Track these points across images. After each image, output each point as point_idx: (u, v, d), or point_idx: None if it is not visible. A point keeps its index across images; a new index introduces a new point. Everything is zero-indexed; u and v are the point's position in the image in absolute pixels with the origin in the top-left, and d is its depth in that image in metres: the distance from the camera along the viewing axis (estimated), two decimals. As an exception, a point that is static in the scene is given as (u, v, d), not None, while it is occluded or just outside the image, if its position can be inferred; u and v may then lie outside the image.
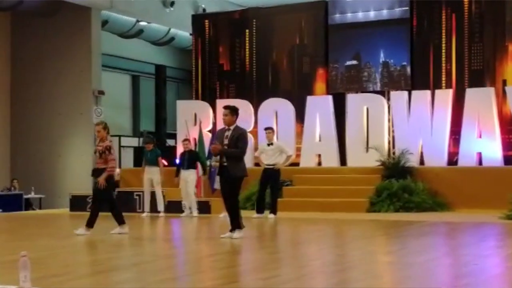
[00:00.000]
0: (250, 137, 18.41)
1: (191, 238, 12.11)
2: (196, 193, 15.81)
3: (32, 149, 22.10)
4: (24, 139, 22.40)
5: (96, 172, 11.55)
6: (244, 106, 19.15)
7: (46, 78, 22.12)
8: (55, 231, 12.92)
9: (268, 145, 14.71)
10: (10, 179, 21.69)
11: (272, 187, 14.56)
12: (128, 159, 23.20)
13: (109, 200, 11.59)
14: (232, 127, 10.53)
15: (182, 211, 15.44)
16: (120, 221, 11.48)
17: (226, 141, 10.45)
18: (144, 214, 15.54)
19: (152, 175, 15.47)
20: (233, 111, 10.61)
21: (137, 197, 16.41)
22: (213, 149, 10.57)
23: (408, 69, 18.33)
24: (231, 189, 10.52)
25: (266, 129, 15.16)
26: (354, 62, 18.90)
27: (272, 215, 14.34)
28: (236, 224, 10.51)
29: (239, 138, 10.46)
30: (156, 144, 16.30)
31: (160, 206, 15.60)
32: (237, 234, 10.40)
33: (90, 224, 11.31)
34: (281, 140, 17.83)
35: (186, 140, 15.93)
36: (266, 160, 14.58)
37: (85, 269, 8.25)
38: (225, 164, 10.41)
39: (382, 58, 18.62)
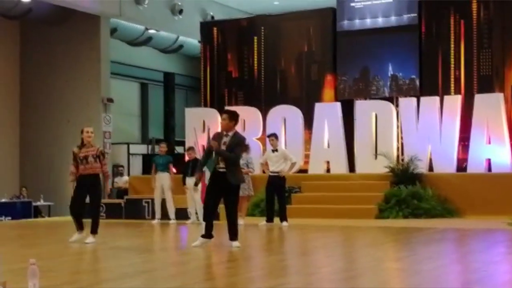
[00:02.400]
0: (258, 144, 18.55)
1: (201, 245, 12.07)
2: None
3: (41, 156, 22.18)
4: (33, 147, 22.48)
5: (88, 179, 11.15)
6: (252, 113, 19.22)
7: (55, 86, 22.21)
8: (64, 238, 12.90)
9: (273, 151, 14.64)
10: (19, 186, 21.77)
11: (278, 194, 14.48)
12: (137, 166, 23.25)
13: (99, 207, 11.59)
14: (230, 133, 10.27)
15: (189, 218, 15.45)
16: (96, 231, 11.33)
17: (223, 147, 10.17)
18: (155, 221, 15.56)
19: (163, 181, 15.51)
20: (231, 116, 10.32)
21: (145, 204, 16.44)
22: (212, 144, 10.19)
23: (417, 82, 18.27)
24: (232, 197, 10.30)
25: (269, 136, 15.04)
26: (363, 76, 18.87)
27: (285, 223, 14.26)
28: (235, 232, 10.35)
29: (237, 145, 10.24)
30: (168, 151, 16.41)
31: (171, 214, 15.61)
32: (237, 243, 10.24)
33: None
34: (289, 147, 17.88)
35: (190, 149, 15.89)
36: (271, 167, 14.51)
37: (95, 276, 8.26)
38: (222, 170, 10.15)
39: (390, 71, 18.58)
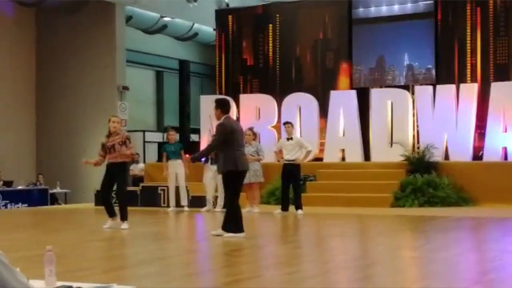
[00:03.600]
0: (273, 132, 18.50)
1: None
2: None
3: (57, 144, 22.30)
4: (50, 135, 22.59)
5: (115, 166, 11.47)
6: (267, 101, 19.20)
7: (71, 74, 22.29)
8: (81, 225, 13.00)
9: (288, 139, 14.60)
10: (36, 174, 21.90)
11: (293, 182, 14.47)
12: (152, 154, 23.34)
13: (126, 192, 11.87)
14: (220, 122, 10.22)
15: (205, 206, 15.47)
16: (126, 217, 11.57)
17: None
18: (170, 209, 15.59)
19: (177, 169, 15.52)
20: (216, 105, 10.23)
21: (161, 192, 16.49)
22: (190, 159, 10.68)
23: (433, 72, 18.14)
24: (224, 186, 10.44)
25: (285, 123, 15.01)
26: (378, 65, 18.76)
27: (300, 211, 14.26)
28: (225, 222, 10.12)
29: (216, 132, 10.22)
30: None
31: (184, 201, 15.66)
32: (228, 234, 10.00)
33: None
34: (304, 135, 17.87)
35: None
36: (286, 155, 14.46)
37: (110, 263, 8.31)
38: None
39: (406, 60, 18.44)
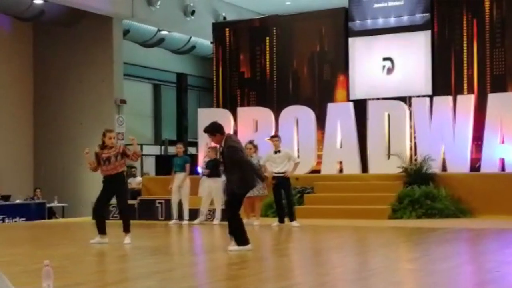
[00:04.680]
0: (271, 145, 18.48)
1: (214, 246, 12.10)
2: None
3: (54, 158, 22.28)
4: (47, 149, 22.59)
5: (112, 178, 11.34)
6: (264, 114, 19.22)
7: (68, 88, 22.31)
8: (78, 239, 12.97)
9: (275, 152, 14.62)
10: (33, 188, 21.86)
11: (285, 195, 14.49)
12: (150, 167, 23.32)
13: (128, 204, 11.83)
14: (223, 143, 10.05)
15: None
16: (129, 229, 11.49)
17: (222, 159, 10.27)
18: (172, 222, 15.54)
19: (181, 182, 15.54)
20: (212, 132, 10.06)
21: (159, 205, 16.48)
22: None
23: (430, 82, 18.13)
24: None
25: (273, 137, 15.05)
26: (375, 76, 18.77)
27: (295, 223, 14.24)
28: (234, 237, 10.09)
29: (232, 155, 9.90)
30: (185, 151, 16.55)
31: (186, 214, 15.62)
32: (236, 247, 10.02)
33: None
34: (302, 147, 17.88)
35: (210, 148, 15.85)
36: (275, 168, 14.43)
37: (109, 277, 8.29)
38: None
39: (403, 71, 18.43)
